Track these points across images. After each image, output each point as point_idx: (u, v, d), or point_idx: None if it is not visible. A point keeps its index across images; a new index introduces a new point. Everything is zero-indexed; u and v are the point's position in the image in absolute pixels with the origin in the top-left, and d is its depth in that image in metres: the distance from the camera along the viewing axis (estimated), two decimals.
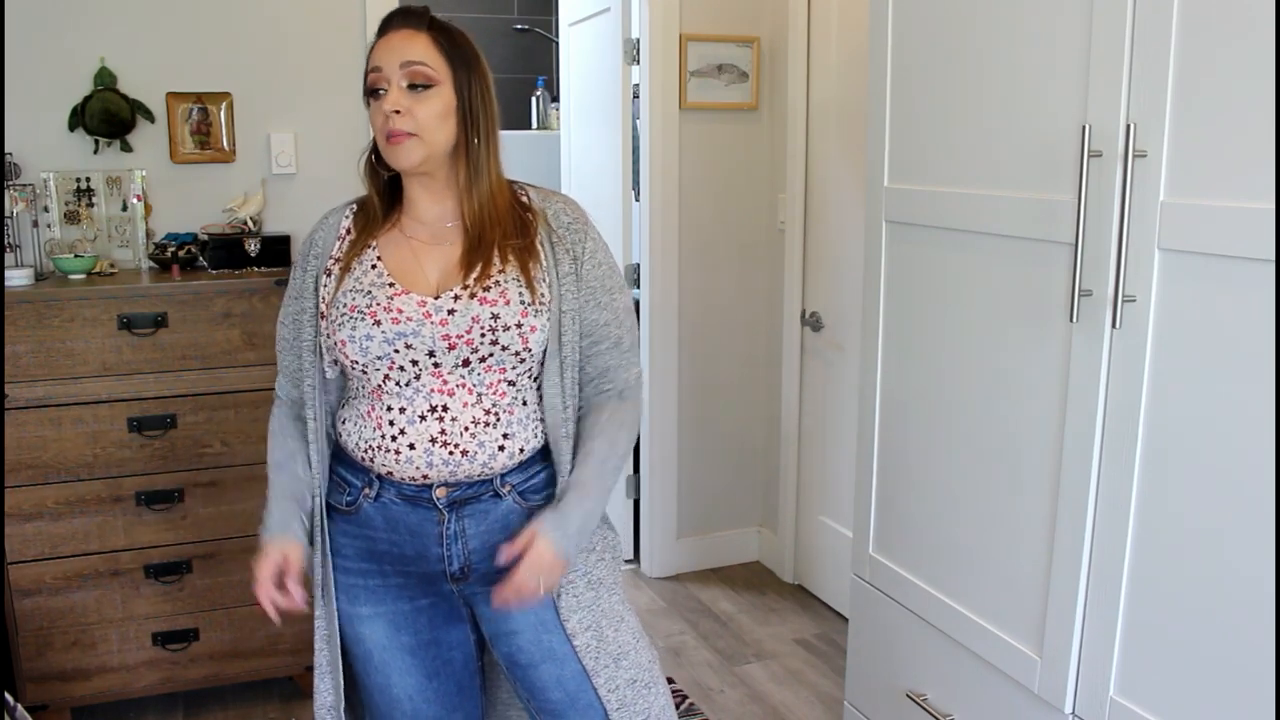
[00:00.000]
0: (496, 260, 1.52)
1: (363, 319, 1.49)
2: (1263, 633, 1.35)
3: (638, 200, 3.52)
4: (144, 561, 2.61)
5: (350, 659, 1.64)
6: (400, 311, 1.49)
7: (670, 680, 2.91)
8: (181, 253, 2.74)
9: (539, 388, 1.58)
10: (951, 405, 1.89)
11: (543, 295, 1.52)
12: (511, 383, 1.55)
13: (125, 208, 2.84)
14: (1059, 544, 1.65)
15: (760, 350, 3.64)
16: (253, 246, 2.74)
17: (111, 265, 2.76)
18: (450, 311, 1.49)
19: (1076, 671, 1.64)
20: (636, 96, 3.47)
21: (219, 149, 2.89)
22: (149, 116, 2.82)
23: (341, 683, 1.62)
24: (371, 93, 1.51)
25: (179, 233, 2.85)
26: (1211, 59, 1.35)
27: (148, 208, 2.84)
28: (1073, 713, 1.66)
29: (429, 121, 1.48)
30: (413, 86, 1.47)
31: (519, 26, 5.25)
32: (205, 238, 2.81)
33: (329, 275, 1.57)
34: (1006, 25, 1.68)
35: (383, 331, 1.48)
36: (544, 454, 1.60)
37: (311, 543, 1.63)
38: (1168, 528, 1.48)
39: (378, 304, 1.50)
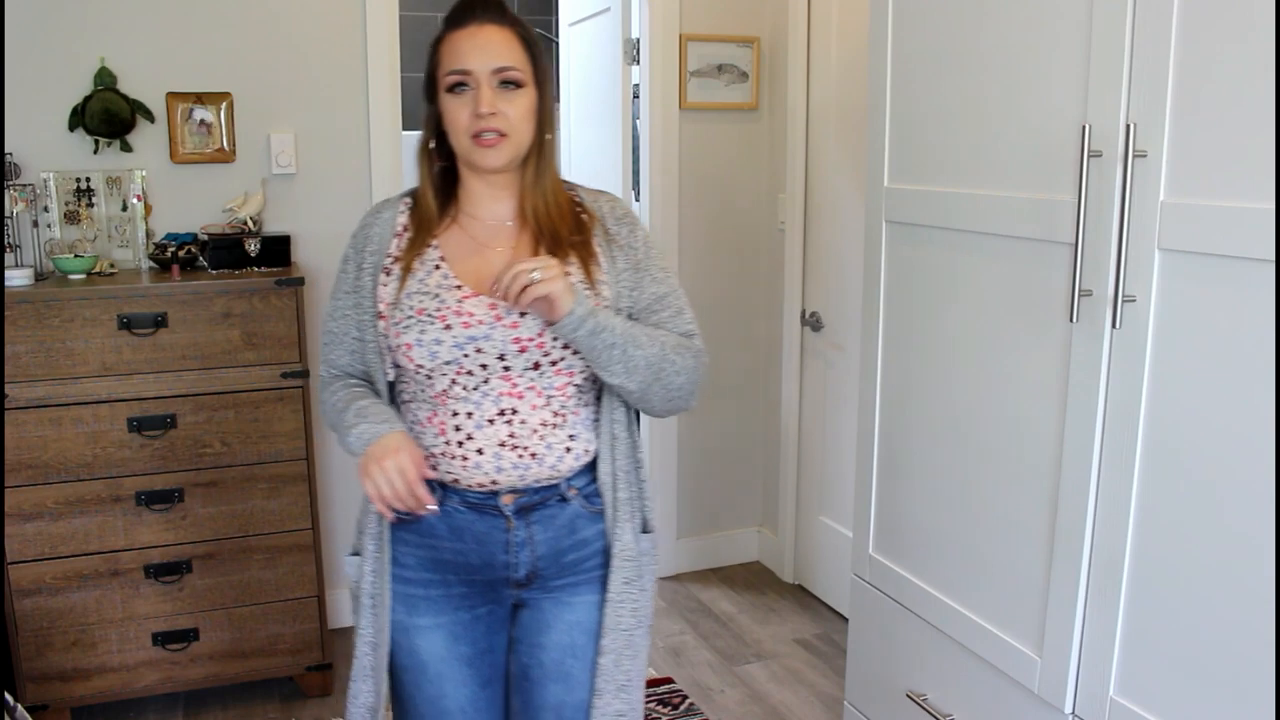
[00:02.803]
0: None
1: (431, 323, 1.45)
2: (1263, 633, 1.35)
3: (638, 200, 3.52)
4: (144, 561, 2.61)
5: (397, 670, 1.58)
6: (471, 315, 1.45)
7: (670, 680, 2.91)
8: (181, 253, 2.74)
9: (598, 392, 1.56)
10: (951, 405, 1.89)
11: (605, 296, 1.49)
12: (578, 386, 1.52)
13: (125, 208, 2.84)
14: (1059, 544, 1.65)
15: (760, 350, 3.64)
16: (253, 246, 2.74)
17: (111, 265, 2.76)
18: (522, 314, 1.45)
19: (1076, 671, 1.64)
20: (636, 96, 3.47)
21: (219, 149, 2.89)
22: (149, 116, 2.82)
23: (385, 688, 1.56)
24: (450, 89, 1.45)
25: (179, 233, 2.85)
26: (1211, 59, 1.35)
27: (148, 208, 2.84)
28: (1073, 713, 1.66)
29: (519, 122, 1.45)
30: (503, 84, 1.44)
31: None
32: (205, 238, 2.81)
33: (388, 274, 1.51)
34: (1006, 25, 1.68)
35: (453, 336, 1.44)
36: None
37: (358, 552, 1.58)
38: (1168, 527, 1.48)
39: (447, 307, 1.45)
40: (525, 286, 1.37)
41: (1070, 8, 1.55)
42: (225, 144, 2.89)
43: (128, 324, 2.51)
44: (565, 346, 1.47)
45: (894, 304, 2.03)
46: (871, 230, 2.06)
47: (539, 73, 1.48)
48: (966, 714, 1.91)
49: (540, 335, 1.45)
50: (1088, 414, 1.57)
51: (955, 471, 1.89)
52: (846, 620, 2.37)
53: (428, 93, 1.51)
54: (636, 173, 3.54)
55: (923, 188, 1.91)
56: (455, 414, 1.48)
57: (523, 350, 1.46)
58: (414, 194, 1.57)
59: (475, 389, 1.47)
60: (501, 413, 1.47)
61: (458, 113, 1.45)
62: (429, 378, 1.48)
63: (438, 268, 1.50)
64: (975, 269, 1.80)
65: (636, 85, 3.47)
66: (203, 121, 2.87)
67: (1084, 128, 1.49)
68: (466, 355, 1.45)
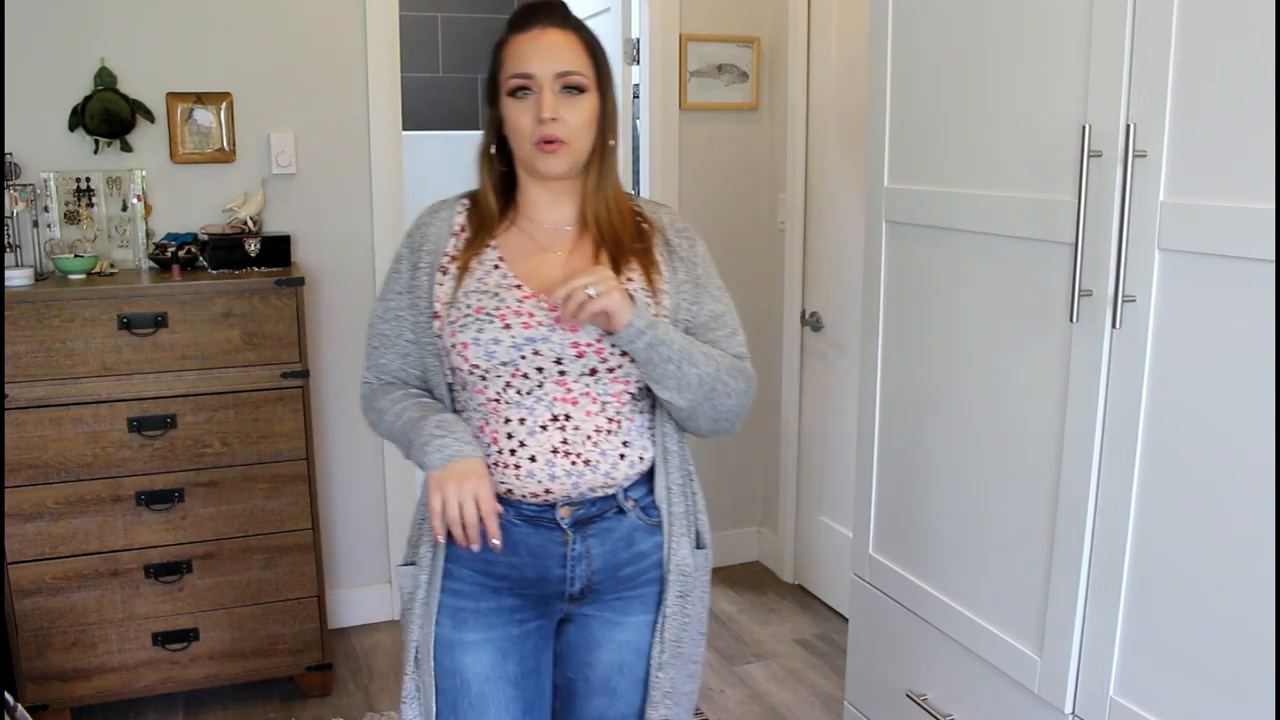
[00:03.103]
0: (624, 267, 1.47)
1: (490, 321, 1.43)
2: (1263, 633, 1.35)
3: None
4: (144, 561, 2.61)
5: (435, 693, 1.52)
6: (531, 315, 1.43)
7: None
8: (181, 253, 2.74)
9: (652, 400, 1.54)
10: (951, 405, 1.89)
11: (665, 306, 1.49)
12: (632, 394, 1.50)
13: (125, 208, 2.84)
14: (1059, 544, 1.65)
15: (760, 350, 3.63)
16: (253, 246, 2.74)
17: (111, 265, 2.77)
18: None
19: (1076, 671, 1.64)
20: (636, 96, 3.48)
21: (219, 149, 2.89)
22: (149, 116, 2.82)
23: (434, 710, 1.51)
24: (512, 92, 1.44)
25: (179, 233, 2.85)
26: (1211, 59, 1.35)
27: (148, 208, 2.85)
28: (1073, 713, 1.66)
29: (580, 129, 1.44)
30: (566, 89, 1.43)
31: None
32: (205, 238, 2.81)
33: (444, 273, 1.49)
34: (1006, 25, 1.68)
35: (512, 335, 1.42)
36: None
37: (413, 562, 1.55)
38: (1168, 528, 1.48)
39: (506, 306, 1.43)
40: (582, 303, 1.36)
41: (1070, 8, 1.55)
42: (225, 144, 2.89)
43: (128, 324, 2.51)
44: (623, 354, 1.45)
45: (894, 304, 2.03)
46: (871, 230, 2.06)
47: (602, 78, 1.47)
48: (966, 714, 1.91)
49: (599, 341, 1.44)
50: (1088, 414, 1.57)
51: (956, 471, 1.89)
52: (846, 620, 2.38)
53: (489, 96, 1.49)
54: (636, 173, 3.54)
55: (923, 188, 1.91)
56: (508, 420, 1.45)
57: (580, 355, 1.44)
58: (472, 196, 1.56)
59: (529, 393, 1.45)
60: (555, 418, 1.45)
61: (520, 117, 1.44)
62: (483, 379, 1.45)
63: (496, 267, 1.48)
64: (975, 269, 1.80)
65: (636, 85, 3.47)
66: (203, 121, 2.87)
67: (1084, 128, 1.49)
68: (524, 357, 1.43)
